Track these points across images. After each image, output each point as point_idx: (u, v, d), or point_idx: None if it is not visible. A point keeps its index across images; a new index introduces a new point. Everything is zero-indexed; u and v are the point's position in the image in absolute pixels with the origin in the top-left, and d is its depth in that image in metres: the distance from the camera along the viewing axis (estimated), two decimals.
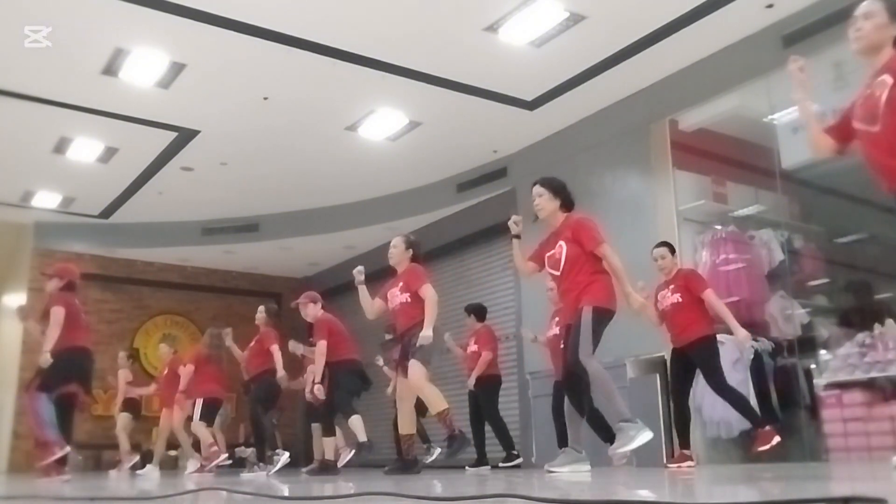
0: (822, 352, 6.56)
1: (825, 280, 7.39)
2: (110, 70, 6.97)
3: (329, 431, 6.85)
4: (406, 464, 5.79)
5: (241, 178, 9.63)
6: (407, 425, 5.82)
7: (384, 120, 8.08)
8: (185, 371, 8.18)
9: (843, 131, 3.39)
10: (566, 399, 4.79)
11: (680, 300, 5.54)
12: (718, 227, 6.96)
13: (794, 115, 6.61)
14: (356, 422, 6.42)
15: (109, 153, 8.84)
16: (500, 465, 7.13)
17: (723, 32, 6.44)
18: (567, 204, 4.89)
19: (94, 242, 11.36)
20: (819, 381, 6.01)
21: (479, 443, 7.21)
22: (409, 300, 5.62)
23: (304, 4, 6.09)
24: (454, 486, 3.71)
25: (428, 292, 5.55)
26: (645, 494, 2.69)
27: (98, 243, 11.36)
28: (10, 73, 7.07)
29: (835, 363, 5.93)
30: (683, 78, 7.02)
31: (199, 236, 11.25)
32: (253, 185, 9.86)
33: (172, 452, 10.90)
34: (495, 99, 7.61)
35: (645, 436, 4.47)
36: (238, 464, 8.92)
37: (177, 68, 6.97)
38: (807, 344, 6.65)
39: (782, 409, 6.40)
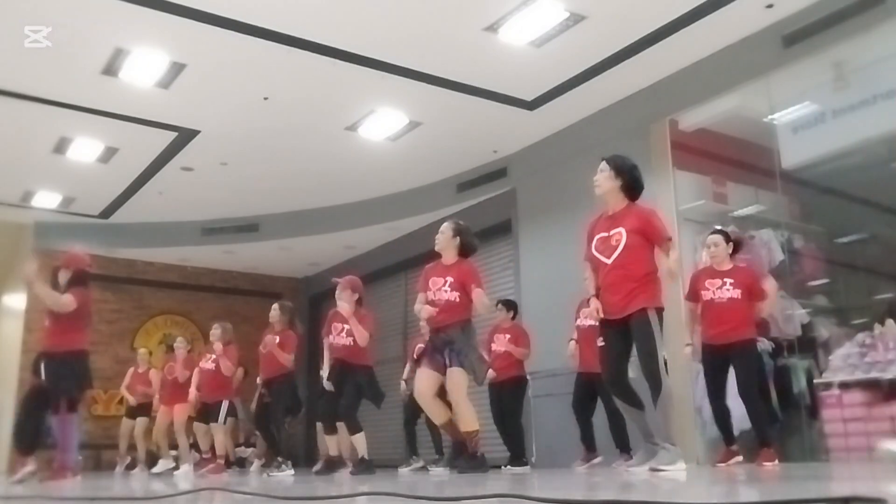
0: (822, 352, 6.57)
1: (825, 280, 7.39)
2: (110, 70, 6.97)
3: (331, 430, 6.57)
4: (475, 460, 5.30)
5: (241, 178, 9.63)
6: (439, 415, 5.39)
7: (384, 120, 8.07)
8: (238, 376, 7.90)
9: None
10: (618, 401, 4.42)
11: (740, 297, 5.29)
12: (718, 227, 6.95)
13: (794, 114, 6.65)
14: (360, 439, 6.21)
15: (109, 153, 8.84)
16: (507, 466, 7.05)
17: (723, 32, 6.44)
18: (631, 187, 4.45)
19: (94, 242, 11.32)
20: (819, 381, 6.01)
21: (508, 441, 7.01)
22: (457, 299, 5.27)
23: (305, 4, 6.09)
24: (454, 487, 3.71)
25: (482, 300, 5.26)
26: (645, 494, 2.69)
27: (98, 243, 11.33)
28: (10, 73, 7.07)
29: (835, 363, 5.93)
30: (683, 78, 7.02)
31: (199, 236, 11.25)
32: (253, 185, 9.86)
33: (173, 452, 10.91)
34: (495, 99, 7.61)
35: (681, 467, 4.17)
36: (239, 464, 8.93)
37: (177, 68, 6.97)
38: (807, 344, 6.65)
39: (782, 409, 6.41)
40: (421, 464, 7.88)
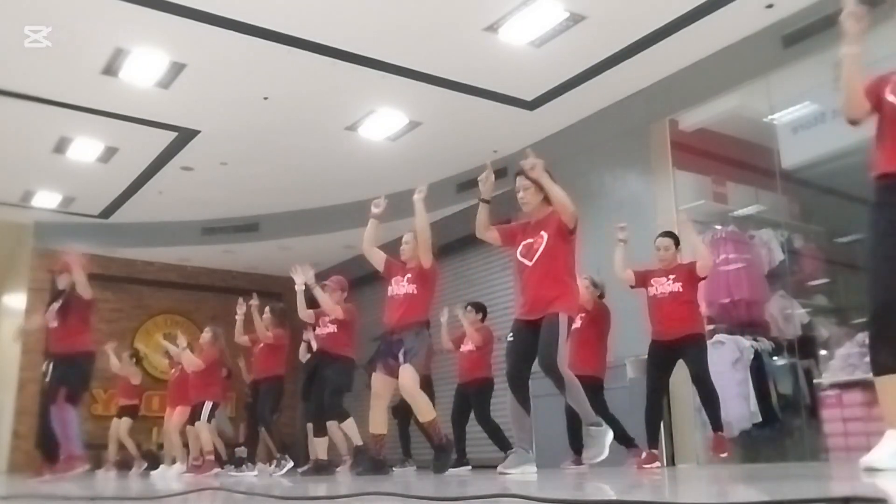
0: (822, 352, 6.57)
1: (825, 280, 7.39)
2: (110, 70, 6.97)
3: (321, 431, 6.69)
4: (376, 464, 5.52)
5: (241, 178, 9.63)
6: (379, 424, 5.51)
7: (384, 120, 8.07)
8: (197, 372, 7.99)
9: (877, 99, 3.29)
10: (512, 398, 4.55)
11: (681, 290, 5.45)
12: (718, 227, 6.96)
13: (794, 114, 6.65)
14: (350, 426, 6.36)
15: (109, 153, 8.84)
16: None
17: (723, 32, 6.44)
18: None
19: (94, 242, 11.34)
20: (819, 381, 6.01)
21: (459, 442, 7.09)
22: (415, 292, 5.48)
23: (304, 4, 6.09)
24: (454, 487, 3.71)
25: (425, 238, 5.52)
26: (645, 494, 2.69)
27: (98, 243, 11.34)
28: (10, 73, 7.07)
29: (835, 363, 5.93)
30: (683, 78, 7.02)
31: (199, 236, 11.25)
32: (253, 185, 9.86)
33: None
34: (495, 99, 7.61)
35: (610, 435, 4.51)
36: (237, 464, 8.93)
37: (177, 68, 6.97)
38: (807, 344, 6.66)
39: (782, 409, 6.41)
40: (415, 467, 7.90)
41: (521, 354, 4.53)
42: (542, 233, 4.59)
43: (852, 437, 5.58)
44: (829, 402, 5.77)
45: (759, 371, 6.32)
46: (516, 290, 4.89)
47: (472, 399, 7.14)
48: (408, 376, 5.27)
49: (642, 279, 5.69)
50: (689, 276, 5.50)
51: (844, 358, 5.85)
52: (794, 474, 3.83)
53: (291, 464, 7.24)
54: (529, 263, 4.60)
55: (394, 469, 7.56)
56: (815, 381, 6.17)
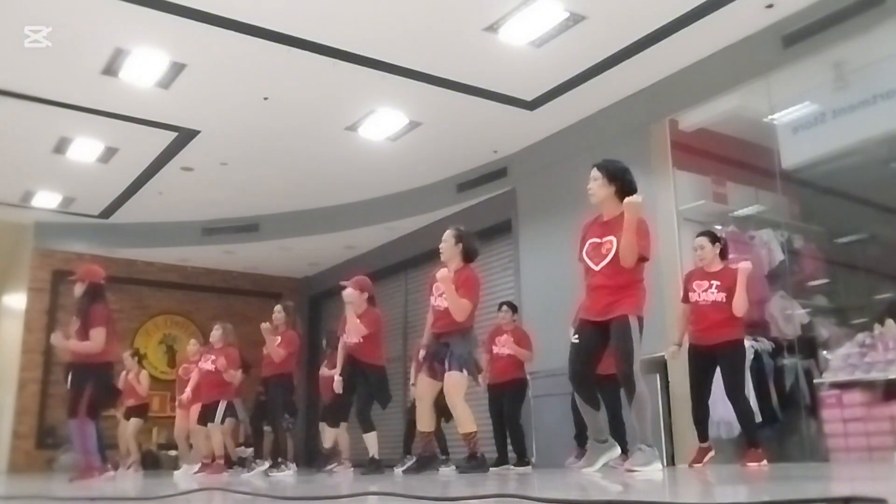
0: (823, 352, 6.57)
1: (825, 280, 7.39)
2: (110, 70, 6.97)
3: (334, 423, 6.73)
4: (424, 460, 5.69)
5: (241, 178, 9.63)
6: (426, 423, 5.60)
7: (384, 120, 8.07)
8: (238, 377, 7.87)
9: None
10: (577, 398, 4.49)
11: (724, 300, 5.30)
12: (718, 228, 6.95)
13: (794, 114, 6.65)
14: (371, 438, 6.32)
15: (109, 153, 8.84)
16: (511, 467, 7.10)
17: (723, 32, 6.44)
18: (626, 192, 4.38)
19: (94, 242, 11.36)
20: (819, 381, 6.01)
21: (501, 443, 7.05)
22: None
23: (304, 4, 6.09)
24: (455, 487, 3.71)
25: (459, 306, 5.27)
26: (645, 494, 2.69)
27: (98, 243, 11.36)
28: (10, 73, 7.07)
29: (835, 363, 5.93)
30: (683, 78, 7.02)
31: (199, 236, 11.26)
32: (253, 185, 9.86)
33: (172, 452, 10.91)
34: (495, 99, 7.61)
35: (656, 467, 4.27)
36: (239, 464, 8.93)
37: (177, 68, 6.97)
38: (807, 344, 6.66)
39: (782, 409, 6.41)
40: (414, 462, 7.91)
41: (585, 355, 4.40)
42: (612, 237, 4.33)
43: (852, 437, 5.58)
44: (829, 402, 5.77)
45: (759, 371, 6.32)
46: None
47: (507, 399, 7.03)
48: (454, 384, 5.26)
49: (684, 291, 5.56)
50: (733, 287, 5.30)
51: (844, 358, 5.85)
52: (794, 474, 3.83)
53: (291, 470, 7.19)
54: (595, 268, 4.39)
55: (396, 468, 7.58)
56: (815, 381, 6.17)
